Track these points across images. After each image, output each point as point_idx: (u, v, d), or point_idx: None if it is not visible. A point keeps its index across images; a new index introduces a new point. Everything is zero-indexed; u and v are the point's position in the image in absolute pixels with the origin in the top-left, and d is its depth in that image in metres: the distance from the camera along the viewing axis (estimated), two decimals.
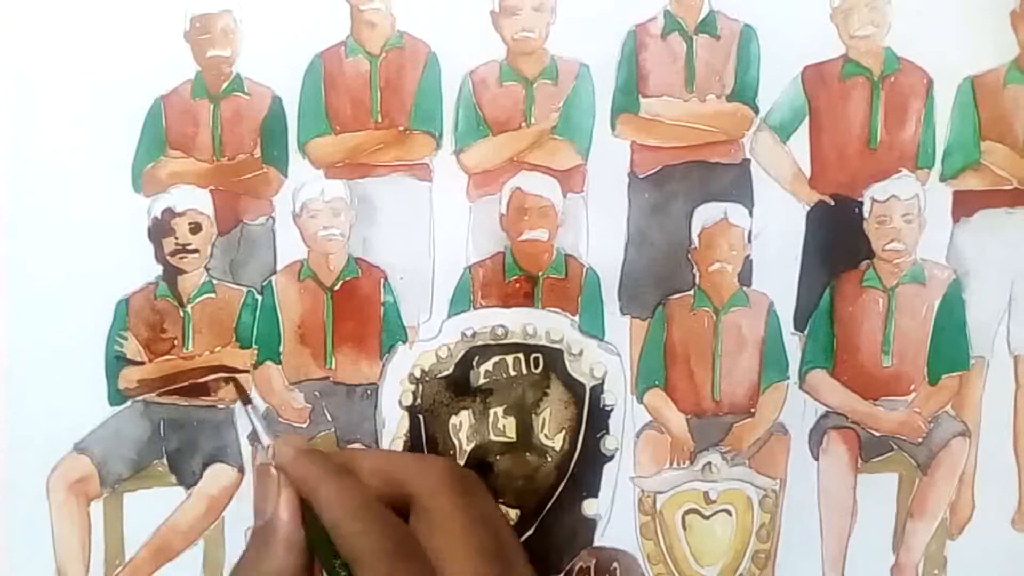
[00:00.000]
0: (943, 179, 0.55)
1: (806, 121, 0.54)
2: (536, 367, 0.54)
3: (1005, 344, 0.55)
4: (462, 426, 0.53)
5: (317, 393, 0.53)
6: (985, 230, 0.55)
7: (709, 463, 0.54)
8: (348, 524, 0.37)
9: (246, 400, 0.48)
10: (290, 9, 0.52)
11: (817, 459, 0.55)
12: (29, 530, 0.52)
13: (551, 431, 0.54)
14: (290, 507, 0.39)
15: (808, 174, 0.54)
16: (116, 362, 0.52)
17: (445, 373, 0.54)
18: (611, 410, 0.54)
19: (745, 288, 0.54)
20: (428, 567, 0.38)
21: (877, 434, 0.55)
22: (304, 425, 0.53)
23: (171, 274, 0.53)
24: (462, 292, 0.53)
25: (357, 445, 0.53)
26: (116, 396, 0.52)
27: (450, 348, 0.54)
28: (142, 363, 0.52)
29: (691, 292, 0.54)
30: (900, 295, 0.55)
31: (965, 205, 0.55)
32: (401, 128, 0.53)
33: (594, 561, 0.54)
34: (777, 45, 0.54)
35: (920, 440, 0.55)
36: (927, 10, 0.54)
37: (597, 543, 0.54)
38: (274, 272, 0.53)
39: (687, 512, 0.55)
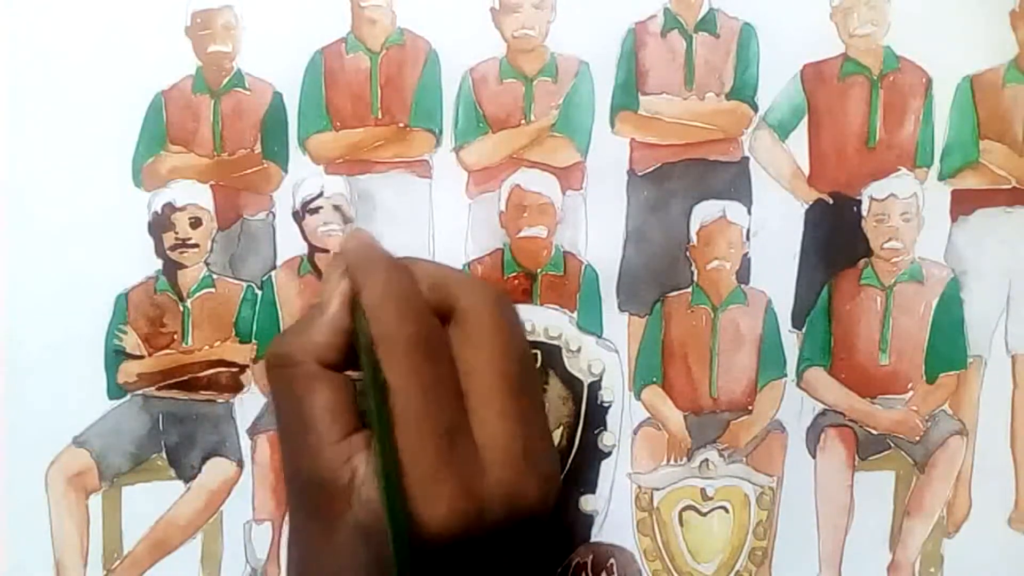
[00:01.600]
0: (942, 178, 0.55)
1: (805, 119, 0.54)
2: (534, 363, 0.54)
3: (1003, 343, 0.55)
4: None
5: None
6: (983, 229, 0.55)
7: (706, 460, 0.54)
8: (386, 311, 0.37)
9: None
10: (291, 5, 0.52)
11: (814, 457, 0.55)
12: (28, 523, 0.52)
13: (549, 427, 0.54)
14: (342, 286, 0.39)
15: (807, 172, 0.54)
16: (115, 356, 0.52)
17: None
18: (609, 406, 0.54)
19: (743, 286, 0.54)
20: (453, 372, 0.38)
21: (874, 432, 0.55)
22: None
23: (171, 268, 0.53)
24: None
25: None
26: (115, 390, 0.52)
27: None
28: (141, 357, 0.53)
29: (689, 289, 0.54)
30: (898, 294, 0.55)
31: (963, 204, 0.55)
32: (401, 125, 0.53)
33: (591, 557, 0.54)
34: (776, 43, 0.54)
35: (917, 439, 0.55)
36: (927, 9, 0.54)
37: (594, 539, 0.54)
38: (274, 267, 0.53)
39: (684, 509, 0.55)
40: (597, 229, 0.54)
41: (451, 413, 0.37)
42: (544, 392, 0.54)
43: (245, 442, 0.53)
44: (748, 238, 0.54)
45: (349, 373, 0.39)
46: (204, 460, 0.53)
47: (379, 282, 0.38)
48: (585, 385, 0.54)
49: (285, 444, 0.40)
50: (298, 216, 0.53)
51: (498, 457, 0.37)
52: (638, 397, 0.54)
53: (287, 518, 0.41)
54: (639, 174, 0.54)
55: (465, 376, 0.38)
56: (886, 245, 0.54)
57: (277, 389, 0.40)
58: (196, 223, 0.53)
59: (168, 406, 0.53)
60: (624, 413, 0.54)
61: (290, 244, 0.53)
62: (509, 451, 0.37)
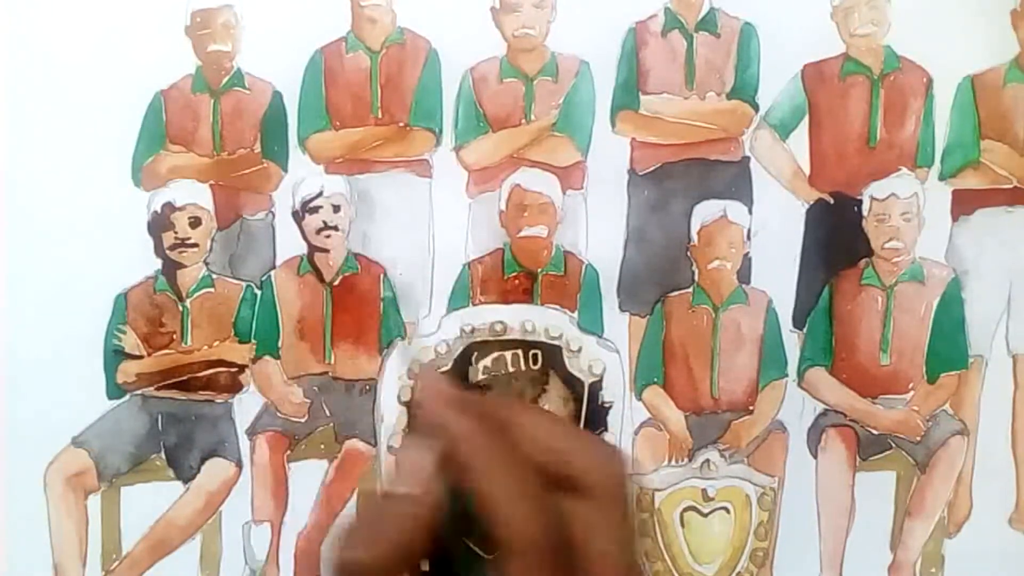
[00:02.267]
0: (942, 178, 0.55)
1: (806, 119, 0.54)
2: (535, 363, 0.54)
3: (1004, 343, 0.55)
4: None
5: (316, 388, 0.53)
6: (984, 229, 0.55)
7: (707, 460, 0.54)
8: (509, 507, 0.30)
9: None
10: (291, 4, 0.52)
11: (815, 457, 0.55)
12: (27, 523, 0.52)
13: None
14: (431, 480, 0.30)
15: (807, 172, 0.54)
16: (115, 356, 0.52)
17: (444, 368, 0.53)
18: (610, 407, 0.54)
19: (744, 286, 0.54)
20: (574, 560, 0.34)
21: (875, 432, 0.55)
22: (303, 420, 0.53)
23: (170, 268, 0.53)
24: (461, 288, 0.54)
25: (356, 441, 0.53)
26: (114, 390, 0.52)
27: (449, 344, 0.53)
28: (141, 357, 0.52)
29: (690, 289, 0.54)
30: (899, 294, 0.55)
31: (964, 204, 0.55)
32: (401, 124, 0.53)
33: None
34: (777, 43, 0.54)
35: (918, 439, 0.55)
36: (927, 9, 0.54)
37: None
38: (273, 267, 0.53)
39: (685, 509, 0.55)
40: (598, 229, 0.54)
41: None
42: (544, 393, 0.54)
43: (244, 443, 0.53)
44: (749, 238, 0.54)
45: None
46: (203, 460, 0.53)
47: (494, 469, 0.30)
48: (586, 385, 0.54)
49: None
50: (298, 216, 0.53)
51: None
52: (639, 397, 0.54)
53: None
54: (640, 174, 0.54)
55: (586, 562, 0.31)
56: (887, 245, 0.54)
57: None
58: (195, 223, 0.53)
59: (167, 406, 0.53)
60: (625, 413, 0.54)
61: (290, 244, 0.53)
62: None
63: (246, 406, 0.53)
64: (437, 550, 0.31)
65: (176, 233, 0.52)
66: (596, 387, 0.54)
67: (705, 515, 0.55)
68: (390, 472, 0.36)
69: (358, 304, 0.53)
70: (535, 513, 0.30)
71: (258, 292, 0.53)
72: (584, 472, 0.31)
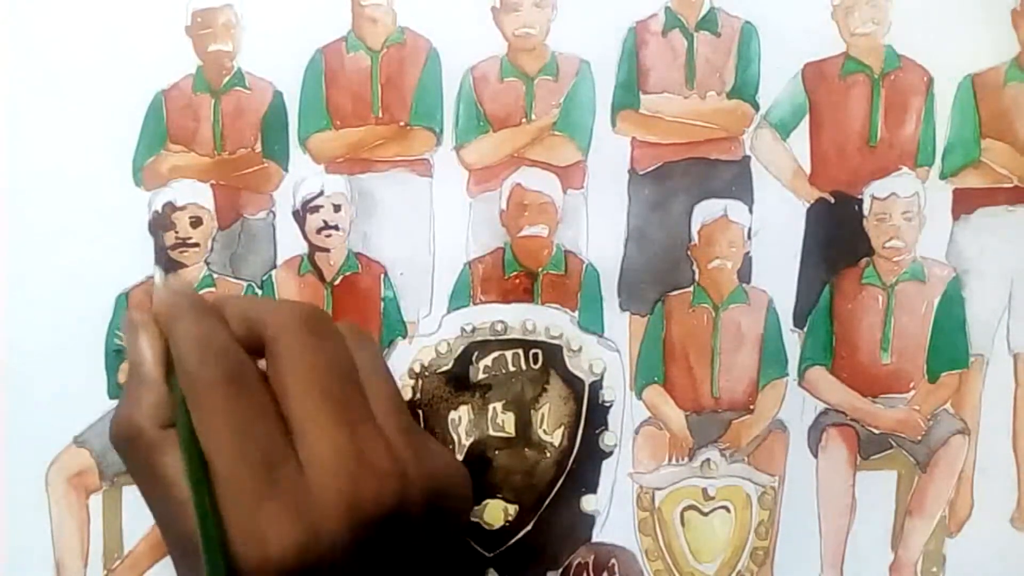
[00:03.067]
0: (943, 177, 0.55)
1: (806, 118, 0.54)
2: (535, 363, 0.54)
3: (1005, 342, 0.55)
4: (461, 421, 0.54)
5: None
6: (985, 228, 0.55)
7: (708, 460, 0.54)
8: (188, 356, 0.38)
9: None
10: (292, 4, 0.52)
11: (816, 456, 0.55)
12: (28, 523, 0.52)
13: (550, 427, 0.54)
14: (151, 341, 0.39)
15: (808, 171, 0.54)
16: (116, 356, 0.52)
17: (444, 368, 0.54)
18: (610, 406, 0.54)
19: (744, 285, 0.54)
20: (266, 403, 0.38)
21: (876, 431, 0.55)
22: None
23: (171, 268, 0.53)
24: (462, 288, 0.54)
25: None
26: (116, 389, 0.52)
27: (449, 343, 0.54)
28: None
29: (690, 289, 0.54)
30: (900, 293, 0.55)
31: (965, 203, 0.55)
32: (402, 124, 0.53)
33: (592, 557, 0.54)
34: (778, 42, 0.54)
35: (919, 438, 0.55)
36: (928, 8, 0.54)
37: (595, 539, 0.54)
38: (274, 266, 0.53)
39: (686, 508, 0.55)
40: (598, 228, 0.54)
41: (268, 441, 0.37)
42: (545, 392, 0.54)
43: None
44: (749, 237, 0.54)
45: None
46: None
47: (181, 328, 0.39)
48: (586, 385, 0.54)
49: (152, 507, 0.40)
50: (298, 215, 0.53)
51: (325, 470, 0.37)
52: (639, 397, 0.54)
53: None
54: (640, 173, 0.54)
55: (282, 402, 0.38)
56: (887, 244, 0.54)
57: (129, 463, 0.40)
58: (196, 222, 0.53)
59: None
60: (625, 413, 0.54)
61: (290, 243, 0.53)
62: (337, 461, 0.37)
63: None
64: None
65: (177, 233, 0.53)
66: (596, 386, 0.54)
67: (705, 514, 0.55)
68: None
69: (359, 304, 0.54)
70: (211, 356, 0.38)
71: (259, 292, 0.53)
72: (265, 328, 0.39)
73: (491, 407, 0.54)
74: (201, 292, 0.53)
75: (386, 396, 0.41)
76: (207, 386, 0.38)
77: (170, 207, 0.52)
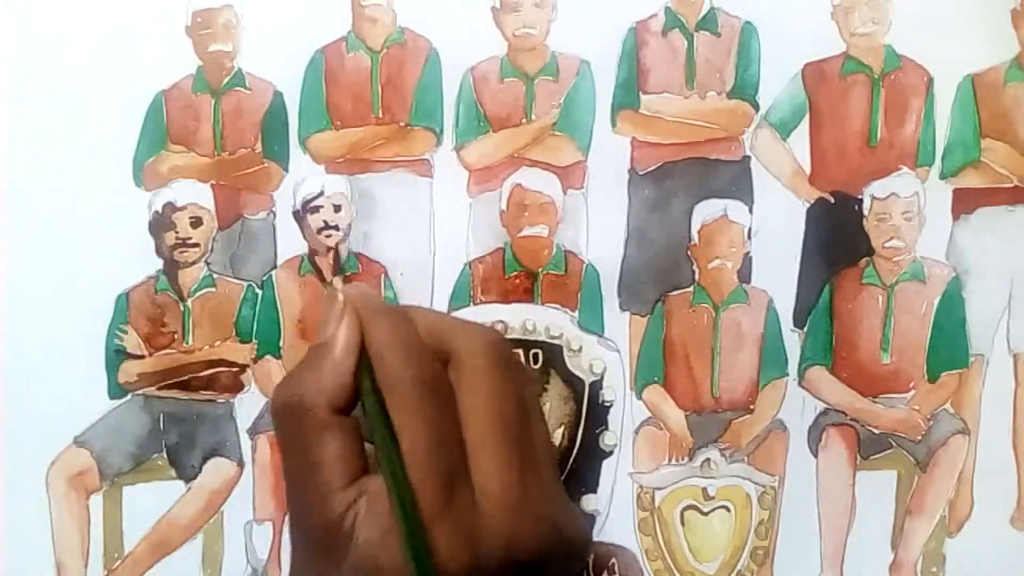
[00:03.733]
0: (943, 177, 0.55)
1: (806, 118, 0.54)
2: (535, 363, 0.54)
3: (1005, 342, 0.55)
4: None
5: None
6: (985, 228, 0.55)
7: (708, 459, 0.54)
8: (391, 354, 0.38)
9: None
10: (292, 4, 0.52)
11: (816, 456, 0.55)
12: (29, 523, 0.52)
13: (550, 426, 0.54)
14: (348, 330, 0.39)
15: (808, 171, 0.54)
16: (116, 356, 0.52)
17: None
18: (610, 406, 0.54)
19: (745, 285, 0.54)
20: (455, 416, 0.38)
21: (876, 431, 0.55)
22: None
23: (172, 268, 0.53)
24: (462, 288, 0.54)
25: None
26: (116, 389, 0.52)
27: None
28: (142, 357, 0.53)
29: (690, 288, 0.54)
30: (899, 293, 0.55)
31: (965, 203, 0.55)
32: (402, 124, 0.53)
33: (592, 557, 0.54)
34: (778, 42, 0.54)
35: (919, 438, 0.55)
36: (928, 8, 0.54)
37: (595, 538, 0.54)
38: (275, 267, 0.53)
39: (686, 508, 0.55)
40: (598, 228, 0.54)
41: (453, 456, 0.38)
42: (545, 391, 0.54)
43: (246, 442, 0.53)
44: (749, 237, 0.54)
45: (356, 416, 0.39)
46: (204, 460, 0.53)
47: (384, 326, 0.39)
48: (586, 384, 0.54)
49: (292, 487, 0.40)
50: (298, 215, 0.53)
51: (494, 504, 0.37)
52: (639, 396, 0.54)
53: (291, 551, 0.41)
54: (640, 173, 0.54)
55: (464, 423, 0.38)
56: (887, 244, 0.54)
57: (286, 435, 0.40)
58: (197, 222, 0.53)
59: (169, 406, 0.53)
60: (625, 412, 0.54)
61: (290, 244, 0.53)
62: (505, 498, 0.38)
63: (247, 406, 0.53)
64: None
65: (177, 233, 0.53)
66: (596, 386, 0.54)
67: (705, 514, 0.55)
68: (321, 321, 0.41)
69: None
70: (413, 358, 0.39)
71: (259, 292, 0.53)
72: (455, 343, 0.40)
73: None
74: (201, 293, 0.53)
75: (545, 442, 0.42)
76: (410, 387, 0.38)
77: (170, 207, 0.52)
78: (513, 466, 0.38)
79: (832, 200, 0.54)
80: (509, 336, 0.54)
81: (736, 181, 0.54)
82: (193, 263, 0.53)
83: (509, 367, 0.40)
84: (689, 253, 0.54)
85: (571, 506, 0.43)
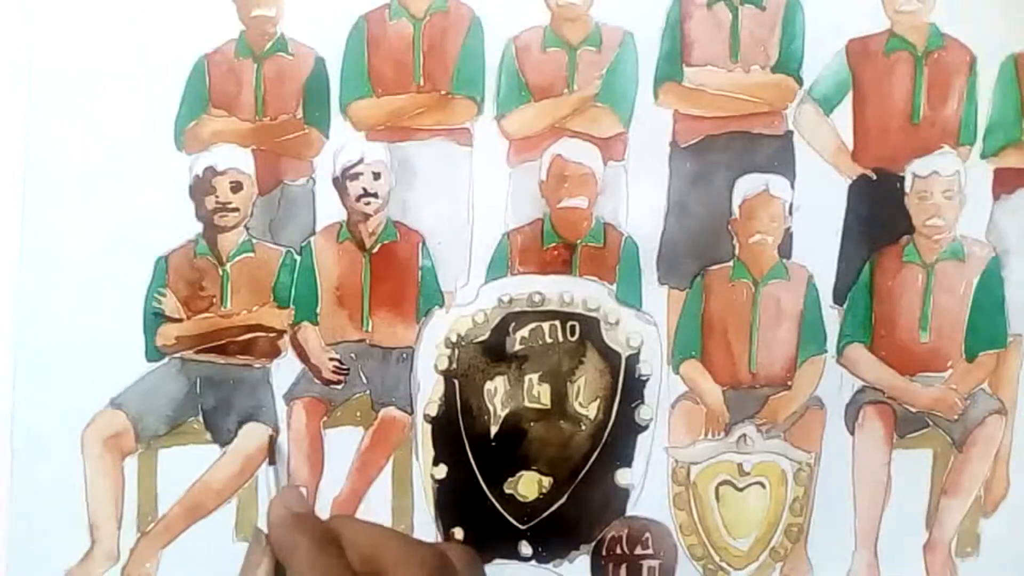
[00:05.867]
0: (984, 156, 0.54)
1: (850, 95, 0.54)
2: (572, 335, 0.54)
3: None
4: (497, 392, 0.53)
5: (353, 355, 0.53)
6: None
7: (744, 435, 0.54)
8: None
9: (272, 461, 0.49)
10: None
11: (852, 434, 0.54)
12: (63, 484, 0.52)
13: (586, 399, 0.54)
14: (267, 572, 0.39)
15: (850, 148, 0.54)
16: (154, 319, 0.52)
17: (481, 338, 0.54)
18: (647, 380, 0.54)
19: (785, 261, 0.54)
20: None
21: (913, 410, 0.55)
22: (340, 387, 0.53)
23: (211, 232, 0.53)
24: (500, 258, 0.53)
25: (392, 409, 0.53)
26: (154, 352, 0.52)
27: (487, 313, 0.53)
28: (180, 320, 0.52)
29: (730, 263, 0.54)
30: (939, 271, 0.54)
31: (1005, 182, 0.55)
32: (443, 92, 0.53)
33: (626, 531, 0.54)
34: (822, 17, 0.53)
35: (956, 417, 0.55)
36: None
37: (630, 513, 0.54)
38: (313, 233, 0.53)
39: (721, 484, 0.54)
40: (638, 201, 0.54)
41: None
42: (581, 364, 0.54)
43: (281, 407, 0.53)
44: (790, 212, 0.54)
45: None
46: (240, 424, 0.53)
47: (301, 560, 0.38)
48: (623, 358, 0.54)
49: None
50: (338, 182, 0.53)
51: None
52: (676, 371, 0.54)
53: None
54: (682, 146, 0.54)
55: None
56: (928, 222, 0.54)
57: None
58: (237, 187, 0.53)
59: (205, 370, 0.53)
60: (662, 387, 0.54)
61: (329, 210, 0.53)
62: None
63: (284, 371, 0.53)
64: None
65: (217, 197, 0.52)
66: (633, 360, 0.54)
67: (740, 489, 0.55)
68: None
69: (396, 272, 0.53)
70: None
71: (297, 258, 0.53)
72: (391, 562, 0.38)
73: (527, 378, 0.53)
74: (240, 258, 0.53)
75: None
76: None
77: (211, 171, 0.52)
78: None
79: (874, 177, 0.54)
80: (546, 308, 0.53)
81: (778, 156, 0.54)
82: (232, 228, 0.53)
83: None
84: (729, 227, 0.54)
85: None
